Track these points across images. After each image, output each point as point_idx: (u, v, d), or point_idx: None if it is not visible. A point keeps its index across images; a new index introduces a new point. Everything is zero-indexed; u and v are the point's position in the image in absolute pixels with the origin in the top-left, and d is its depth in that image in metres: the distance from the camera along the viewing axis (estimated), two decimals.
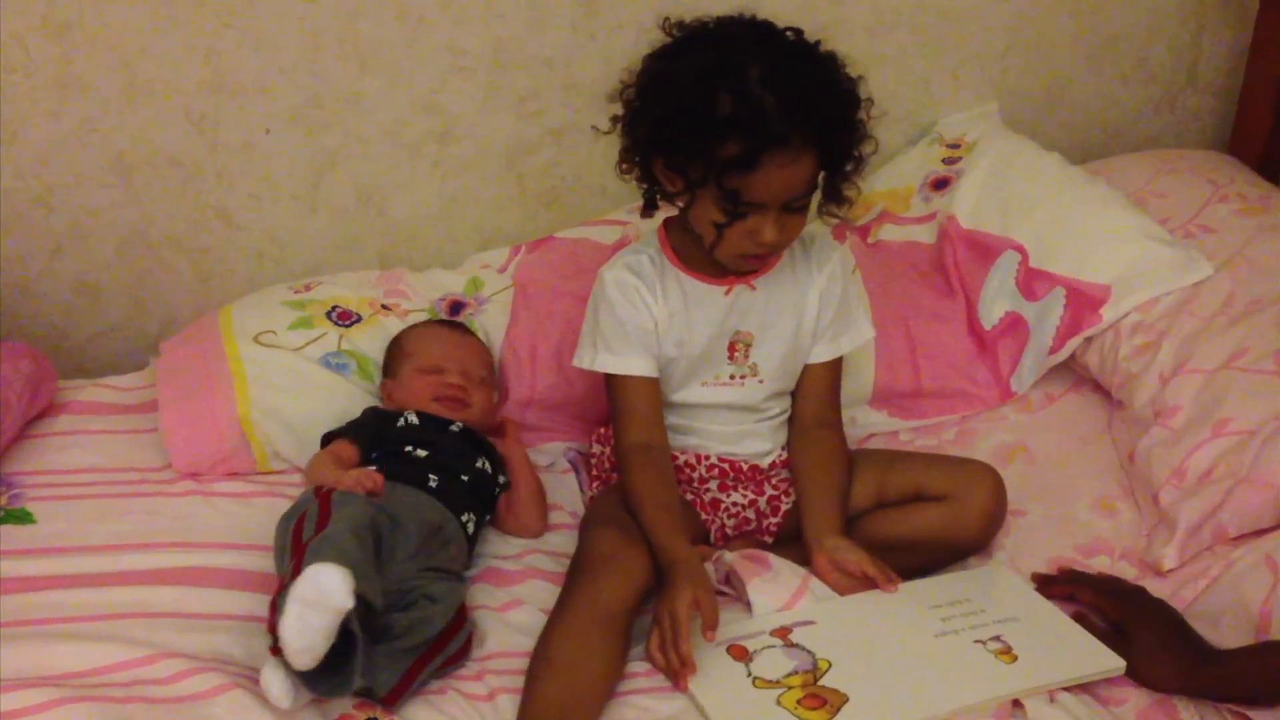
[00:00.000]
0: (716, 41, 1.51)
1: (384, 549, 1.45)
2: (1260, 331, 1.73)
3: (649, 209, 1.67)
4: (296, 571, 1.31)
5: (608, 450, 1.76)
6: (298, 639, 1.28)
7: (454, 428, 1.73)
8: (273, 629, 1.30)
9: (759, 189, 1.48)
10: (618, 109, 1.59)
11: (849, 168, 1.57)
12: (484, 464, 1.71)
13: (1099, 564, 1.64)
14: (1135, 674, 1.43)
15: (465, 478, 1.66)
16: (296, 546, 1.39)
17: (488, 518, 1.71)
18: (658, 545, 1.53)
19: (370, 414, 1.76)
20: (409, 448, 1.68)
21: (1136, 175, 2.10)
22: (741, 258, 1.58)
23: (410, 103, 2.02)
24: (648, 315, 1.65)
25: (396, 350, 1.85)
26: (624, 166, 1.62)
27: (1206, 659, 1.41)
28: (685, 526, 1.60)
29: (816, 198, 1.59)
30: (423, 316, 1.94)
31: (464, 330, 1.90)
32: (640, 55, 1.57)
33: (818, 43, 1.53)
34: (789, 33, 1.53)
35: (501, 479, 1.74)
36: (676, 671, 1.41)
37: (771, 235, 1.52)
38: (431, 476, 1.61)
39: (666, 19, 1.56)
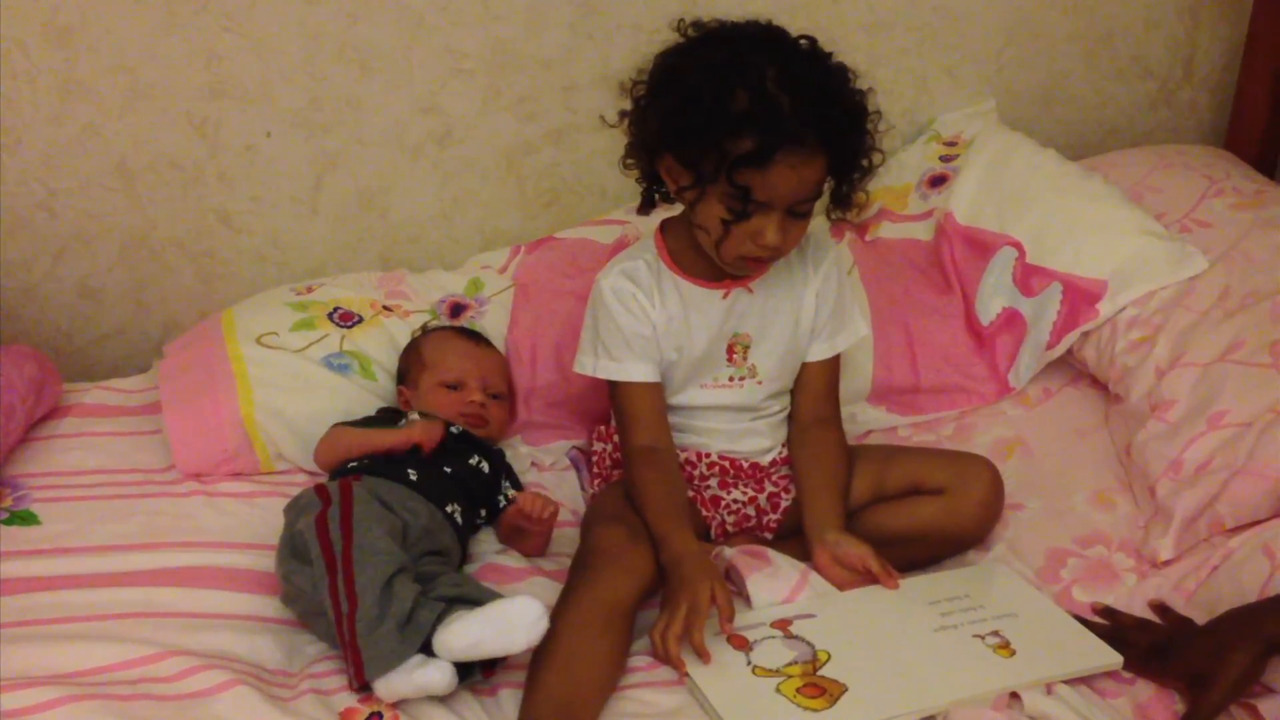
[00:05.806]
0: (732, 41, 1.52)
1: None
2: (1255, 324, 1.74)
3: (646, 207, 1.68)
4: (350, 581, 1.37)
5: (609, 447, 1.77)
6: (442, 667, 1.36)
7: (453, 429, 1.74)
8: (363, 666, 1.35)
9: (769, 187, 1.49)
10: (625, 102, 1.59)
11: (856, 176, 1.58)
12: (479, 463, 1.71)
13: (1096, 555, 1.65)
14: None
15: (448, 469, 1.66)
16: (328, 550, 1.41)
17: (483, 513, 1.71)
18: (663, 539, 1.53)
19: (382, 413, 1.79)
20: None
21: (1133, 170, 2.10)
22: (741, 259, 1.58)
23: (410, 105, 2.03)
24: (646, 321, 1.65)
25: (414, 358, 1.84)
26: (629, 161, 1.63)
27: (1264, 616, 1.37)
28: (690, 523, 1.61)
29: (821, 204, 1.60)
30: (424, 318, 1.95)
31: (483, 342, 1.89)
32: (640, 56, 1.57)
33: (830, 54, 1.54)
34: (803, 40, 1.54)
35: (508, 488, 1.74)
36: (678, 660, 1.42)
37: (774, 238, 1.53)
38: (410, 471, 1.62)
39: (681, 20, 1.57)
